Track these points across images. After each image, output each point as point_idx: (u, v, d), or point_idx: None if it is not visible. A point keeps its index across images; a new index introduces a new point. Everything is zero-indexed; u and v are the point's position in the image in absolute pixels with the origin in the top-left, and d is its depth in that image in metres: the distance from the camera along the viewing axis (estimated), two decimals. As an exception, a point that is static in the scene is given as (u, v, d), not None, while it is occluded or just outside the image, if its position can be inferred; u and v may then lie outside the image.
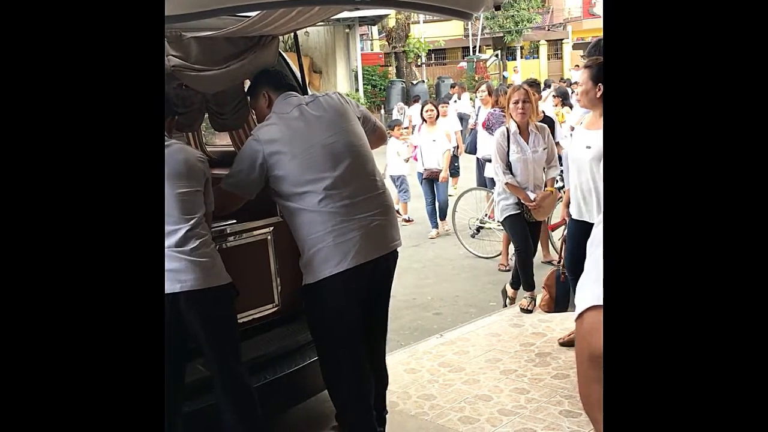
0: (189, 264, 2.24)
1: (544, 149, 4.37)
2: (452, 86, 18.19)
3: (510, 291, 4.65)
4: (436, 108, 7.17)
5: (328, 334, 2.52)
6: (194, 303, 2.25)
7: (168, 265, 2.20)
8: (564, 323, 4.04)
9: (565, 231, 3.84)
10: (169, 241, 2.23)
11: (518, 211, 4.37)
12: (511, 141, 4.34)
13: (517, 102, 4.30)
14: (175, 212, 2.26)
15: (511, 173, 4.36)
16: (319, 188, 2.39)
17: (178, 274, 2.22)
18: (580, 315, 0.82)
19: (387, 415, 2.79)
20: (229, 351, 2.40)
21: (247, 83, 2.97)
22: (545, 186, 4.42)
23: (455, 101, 13.96)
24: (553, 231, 5.14)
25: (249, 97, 2.73)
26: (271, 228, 2.83)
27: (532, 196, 4.30)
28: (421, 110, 7.21)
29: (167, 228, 2.23)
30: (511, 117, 4.37)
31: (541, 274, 4.78)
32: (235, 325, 2.46)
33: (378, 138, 2.80)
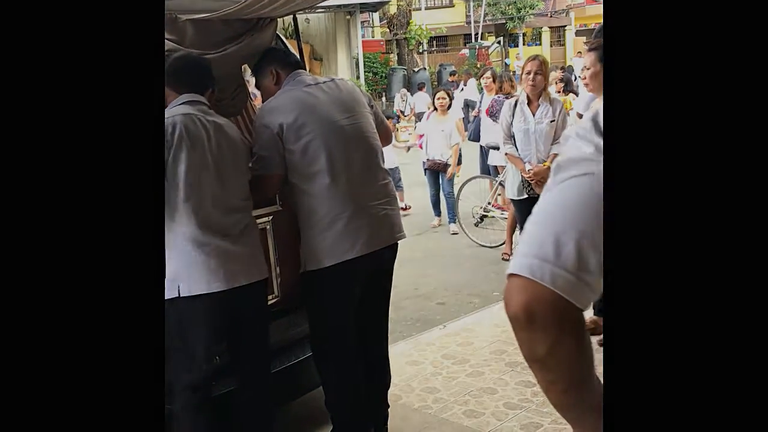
0: (251, 252, 2.21)
1: (551, 122, 4.21)
2: (452, 74, 18.06)
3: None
4: (449, 96, 6.83)
5: (322, 322, 2.46)
6: (252, 293, 2.23)
7: (230, 254, 2.12)
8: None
9: None
10: (234, 230, 2.15)
11: (525, 196, 4.27)
12: (516, 110, 4.25)
13: (529, 73, 4.18)
14: (236, 196, 2.18)
15: (514, 144, 4.26)
16: (332, 170, 2.30)
17: (240, 264, 2.16)
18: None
19: (389, 409, 2.72)
20: (267, 339, 2.40)
21: (245, 68, 2.89)
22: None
23: (462, 89, 13.83)
24: None
25: (255, 76, 2.61)
26: (270, 217, 2.75)
27: (528, 167, 4.20)
28: (433, 98, 6.94)
29: (228, 218, 2.15)
30: (522, 87, 4.29)
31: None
32: None
33: (383, 136, 2.68)
